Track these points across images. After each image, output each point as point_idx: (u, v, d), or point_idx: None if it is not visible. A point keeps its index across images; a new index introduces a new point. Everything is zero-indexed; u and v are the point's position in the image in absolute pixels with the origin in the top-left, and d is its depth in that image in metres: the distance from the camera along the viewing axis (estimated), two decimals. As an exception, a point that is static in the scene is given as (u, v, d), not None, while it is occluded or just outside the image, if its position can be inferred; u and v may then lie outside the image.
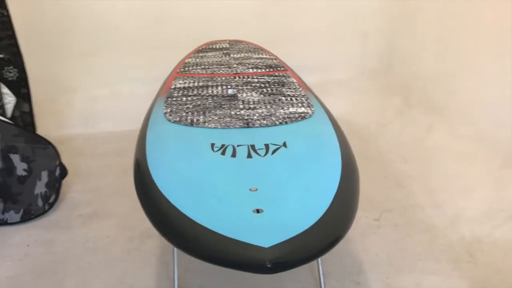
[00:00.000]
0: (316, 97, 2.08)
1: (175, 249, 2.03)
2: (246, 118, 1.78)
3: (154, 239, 2.46)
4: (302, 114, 1.83)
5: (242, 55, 2.69)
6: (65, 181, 2.78)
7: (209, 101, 1.95)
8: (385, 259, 2.29)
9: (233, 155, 1.48)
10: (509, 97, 2.75)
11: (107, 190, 2.95)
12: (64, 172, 2.72)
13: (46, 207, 2.65)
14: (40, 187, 2.62)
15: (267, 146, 1.54)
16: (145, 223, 2.55)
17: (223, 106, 1.90)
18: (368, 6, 4.11)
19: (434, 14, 3.57)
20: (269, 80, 2.23)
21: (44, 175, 2.63)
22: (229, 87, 2.13)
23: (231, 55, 2.68)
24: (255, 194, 1.29)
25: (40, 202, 2.62)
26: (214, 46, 2.91)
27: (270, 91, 2.08)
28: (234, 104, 1.92)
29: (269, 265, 1.05)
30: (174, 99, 1.98)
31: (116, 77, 4.10)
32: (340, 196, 1.30)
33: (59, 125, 3.80)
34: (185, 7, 4.05)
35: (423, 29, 3.72)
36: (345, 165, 1.46)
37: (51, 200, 2.66)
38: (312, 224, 1.15)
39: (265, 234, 1.12)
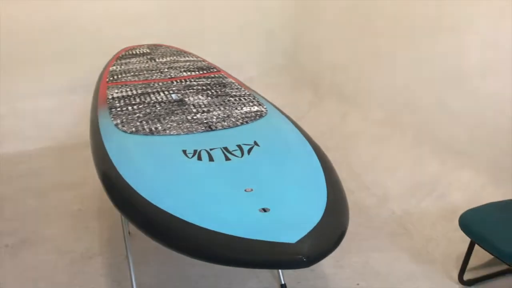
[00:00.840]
0: (258, 94, 2.14)
1: (131, 263, 1.97)
2: (205, 121, 1.78)
3: (97, 259, 2.36)
4: (258, 113, 1.88)
5: (168, 59, 2.66)
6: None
7: (158, 108, 1.92)
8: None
9: (211, 159, 1.48)
10: (415, 83, 3.02)
11: (31, 215, 2.75)
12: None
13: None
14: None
15: (239, 147, 1.56)
16: (83, 243, 2.46)
17: (176, 112, 1.88)
18: (273, 5, 4.25)
19: (336, 9, 3.78)
20: (208, 82, 2.23)
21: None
22: (171, 92, 2.10)
23: (157, 60, 2.64)
24: (253, 194, 1.30)
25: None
26: (134, 52, 2.83)
27: (215, 93, 2.09)
28: (185, 109, 1.91)
29: (305, 259, 1.08)
30: (118, 109, 1.91)
31: (14, 94, 3.80)
32: (330, 186, 1.37)
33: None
34: (84, 16, 3.87)
35: (326, 23, 3.93)
36: (319, 157, 1.54)
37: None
38: (322, 215, 1.21)
39: (286, 231, 1.14)
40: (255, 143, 1.58)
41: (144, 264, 2.29)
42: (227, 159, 1.47)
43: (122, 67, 2.51)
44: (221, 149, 1.53)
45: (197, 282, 2.18)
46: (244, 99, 2.02)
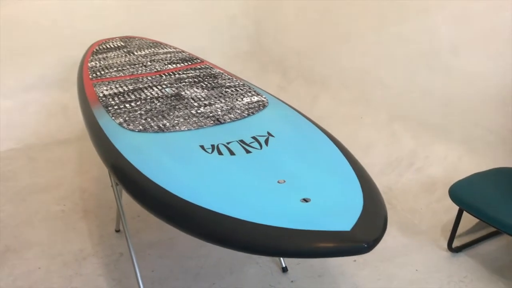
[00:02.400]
0: (250, 83, 2.15)
1: (135, 259, 1.95)
2: (211, 115, 1.77)
3: (91, 259, 2.31)
4: (260, 103, 1.89)
5: (146, 51, 2.61)
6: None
7: (158, 104, 1.89)
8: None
9: (231, 153, 1.48)
10: (385, 62, 3.11)
11: (10, 220, 2.64)
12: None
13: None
14: None
15: (255, 138, 1.57)
16: (74, 245, 2.40)
17: (178, 107, 1.86)
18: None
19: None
20: (198, 74, 2.22)
21: None
22: (164, 86, 2.07)
23: (135, 53, 2.58)
24: (288, 186, 1.32)
25: None
26: (108, 46, 2.75)
27: (209, 85, 2.08)
28: (186, 103, 1.89)
29: (365, 245, 1.11)
30: (116, 107, 1.87)
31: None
32: (357, 170, 1.41)
33: None
34: (38, 11, 3.69)
35: (289, 7, 3.96)
36: (335, 142, 1.57)
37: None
38: (363, 200, 1.24)
39: (336, 219, 1.16)
40: (269, 134, 1.60)
41: (141, 259, 2.28)
42: (248, 152, 1.48)
43: (102, 62, 2.44)
44: (238, 142, 1.54)
45: (198, 273, 2.19)
46: (240, 89, 2.03)
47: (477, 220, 2.35)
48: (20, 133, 3.56)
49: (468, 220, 2.36)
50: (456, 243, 2.27)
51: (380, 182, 2.83)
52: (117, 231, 2.49)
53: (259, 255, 1.19)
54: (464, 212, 2.12)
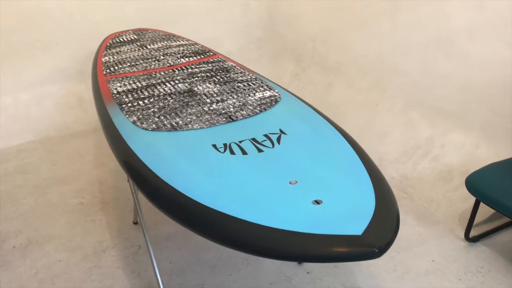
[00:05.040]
0: (262, 76, 2.14)
1: (152, 253, 1.98)
2: (224, 112, 1.78)
3: (110, 252, 2.35)
4: (272, 98, 1.88)
5: (159, 44, 2.61)
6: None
7: (171, 101, 1.89)
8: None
9: (244, 152, 1.48)
10: (401, 48, 3.07)
11: (31, 213, 2.70)
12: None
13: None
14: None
15: (267, 136, 1.57)
16: (93, 238, 2.45)
17: (190, 103, 1.86)
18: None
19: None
20: (210, 68, 2.21)
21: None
22: (176, 81, 2.08)
23: (149, 47, 2.58)
24: (300, 187, 1.32)
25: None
26: (121, 39, 2.75)
27: (221, 79, 2.08)
28: (198, 99, 1.89)
29: (377, 250, 1.11)
30: (130, 105, 1.88)
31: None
32: (371, 170, 1.40)
33: None
34: (51, 4, 3.70)
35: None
36: (348, 140, 1.56)
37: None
38: (375, 203, 1.24)
39: (348, 222, 1.16)
40: (281, 131, 1.59)
41: (158, 251, 2.31)
42: (260, 150, 1.48)
43: (115, 57, 2.45)
44: (250, 141, 1.54)
45: (215, 265, 2.21)
46: (253, 83, 2.02)
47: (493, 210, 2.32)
48: (38, 126, 3.62)
49: (486, 209, 2.34)
50: (473, 233, 2.25)
51: (396, 170, 2.82)
52: (135, 223, 2.53)
53: (267, 258, 1.19)
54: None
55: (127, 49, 2.55)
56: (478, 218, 2.28)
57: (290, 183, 1.33)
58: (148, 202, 2.63)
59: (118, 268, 2.25)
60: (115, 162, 3.15)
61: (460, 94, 2.69)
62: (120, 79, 2.15)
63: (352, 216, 1.18)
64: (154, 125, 1.71)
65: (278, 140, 1.54)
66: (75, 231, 2.52)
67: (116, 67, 2.30)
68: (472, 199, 2.22)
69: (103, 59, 2.43)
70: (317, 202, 1.24)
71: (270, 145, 1.52)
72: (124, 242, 2.41)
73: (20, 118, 3.65)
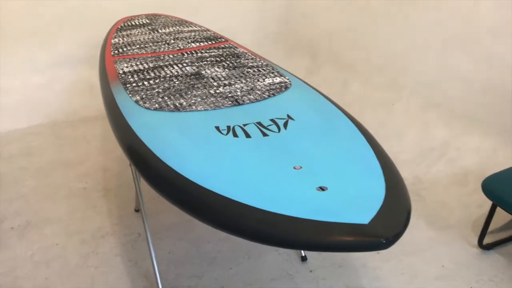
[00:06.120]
0: (274, 64, 2.06)
1: (151, 241, 1.91)
2: (230, 95, 1.70)
3: (109, 238, 2.29)
4: (282, 84, 1.80)
5: (171, 29, 2.54)
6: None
7: (177, 83, 1.82)
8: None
9: (247, 135, 1.41)
10: (419, 46, 2.97)
11: (33, 195, 2.65)
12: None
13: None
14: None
15: (273, 121, 1.49)
16: (92, 223, 2.39)
17: (196, 86, 1.79)
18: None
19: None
20: (220, 53, 2.14)
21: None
22: (184, 64, 2.01)
23: (160, 31, 2.52)
24: (304, 172, 1.23)
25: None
26: (133, 23, 2.70)
27: (231, 64, 2.00)
28: (205, 82, 1.82)
29: (384, 241, 1.02)
30: (134, 85, 1.81)
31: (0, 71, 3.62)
32: (382, 159, 1.31)
33: None
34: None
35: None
36: (360, 128, 1.48)
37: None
38: (384, 192, 1.15)
39: (354, 211, 1.07)
40: (289, 117, 1.51)
41: (158, 240, 2.24)
42: (264, 134, 1.40)
43: (125, 39, 2.39)
44: (255, 125, 1.46)
45: (214, 257, 2.14)
46: (263, 69, 1.94)
47: (511, 217, 2.22)
48: (47, 109, 3.58)
49: (502, 216, 2.23)
50: (487, 240, 2.15)
51: (410, 172, 2.72)
52: (137, 210, 2.47)
53: (265, 244, 1.11)
54: (498, 208, 1.99)
55: (138, 32, 2.49)
56: (493, 225, 2.17)
57: (294, 168, 1.24)
58: (151, 190, 2.56)
59: (116, 255, 2.18)
60: (121, 150, 3.09)
61: (479, 96, 2.59)
62: (128, 60, 2.08)
63: (359, 204, 1.10)
64: (157, 105, 1.64)
65: (285, 125, 1.46)
66: (75, 216, 2.46)
67: (124, 49, 2.24)
68: (488, 205, 2.11)
69: (112, 41, 2.37)
70: (322, 188, 1.16)
71: (276, 129, 1.44)
72: (124, 229, 2.35)
73: (29, 101, 3.61)
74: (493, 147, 2.52)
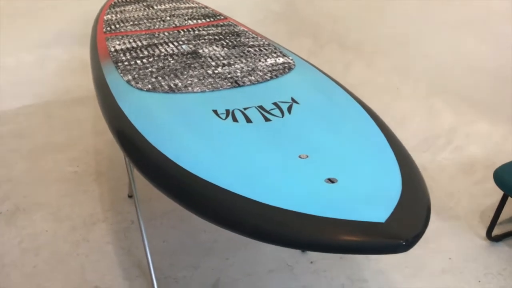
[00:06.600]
0: (277, 44, 1.94)
1: (144, 229, 1.80)
2: (230, 76, 1.58)
3: (101, 226, 2.19)
4: (286, 65, 1.68)
5: (167, 6, 2.41)
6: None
7: (172, 62, 1.70)
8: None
9: (248, 120, 1.29)
10: (427, 29, 2.84)
11: (22, 179, 2.54)
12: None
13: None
14: None
15: (276, 105, 1.37)
16: (83, 209, 2.28)
17: (193, 65, 1.67)
18: None
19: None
20: (219, 31, 2.01)
21: None
22: (180, 43, 1.88)
23: (155, 7, 2.38)
24: (311, 162, 1.12)
25: None
26: None
27: (230, 43, 1.88)
28: (202, 62, 1.70)
29: (404, 243, 0.90)
30: (126, 63, 1.69)
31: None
32: (397, 149, 1.20)
33: None
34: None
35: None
36: (371, 114, 1.36)
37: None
38: (401, 187, 1.04)
39: (368, 207, 0.95)
40: (293, 100, 1.39)
41: (152, 228, 2.14)
42: (267, 119, 1.29)
43: (118, 15, 2.26)
44: (256, 108, 1.34)
45: (211, 247, 2.04)
46: (265, 49, 1.82)
47: (521, 208, 2.12)
48: (39, 89, 3.46)
49: (511, 207, 2.13)
50: (495, 232, 2.05)
51: (415, 159, 2.59)
52: (130, 196, 2.36)
53: (266, 242, 0.99)
54: (508, 199, 1.89)
55: (132, 9, 2.35)
56: (502, 216, 2.07)
57: (300, 157, 1.13)
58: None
59: (108, 243, 2.09)
60: (114, 132, 2.98)
61: (491, 82, 2.47)
62: (120, 37, 1.96)
63: (373, 200, 0.98)
64: (150, 86, 1.52)
65: (289, 109, 1.34)
66: (65, 201, 2.36)
67: (117, 25, 2.11)
68: (497, 195, 2.02)
69: (105, 17, 2.25)
70: (331, 180, 1.04)
71: (280, 114, 1.32)
72: (116, 216, 2.25)
73: (21, 80, 3.49)
74: (502, 135, 2.41)
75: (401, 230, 0.91)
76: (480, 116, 2.53)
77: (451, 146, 2.56)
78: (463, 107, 2.61)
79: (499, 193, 1.96)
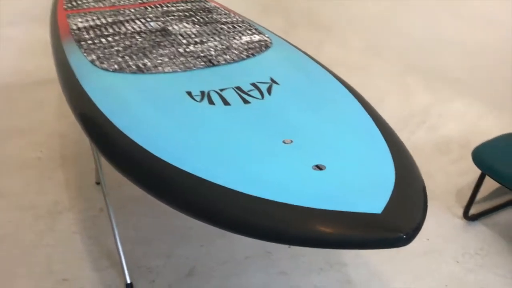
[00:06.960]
0: (252, 21, 1.85)
1: (113, 217, 1.71)
2: (203, 55, 1.48)
3: (67, 215, 2.09)
4: (262, 43, 1.60)
5: None
6: None
7: (139, 40, 1.59)
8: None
9: (226, 102, 1.20)
10: (401, 8, 2.79)
11: (-20, 167, 2.40)
12: None
13: None
14: None
15: (255, 85, 1.28)
16: (48, 197, 2.17)
17: (162, 43, 1.56)
18: None
19: None
20: (189, 7, 1.91)
21: None
22: (148, 20, 1.77)
23: None
24: (296, 147, 1.03)
25: None
26: None
27: (202, 20, 1.77)
28: (173, 40, 1.59)
29: (404, 236, 0.83)
30: (90, 42, 1.57)
31: None
32: (386, 133, 1.13)
33: None
34: None
35: None
36: (356, 96, 1.29)
37: None
38: (394, 173, 0.96)
39: (361, 197, 0.88)
40: (272, 81, 1.31)
41: (122, 216, 2.04)
42: (246, 101, 1.20)
43: None
44: (234, 89, 1.25)
45: (185, 234, 1.97)
46: (239, 26, 1.73)
47: (496, 186, 2.12)
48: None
49: (486, 186, 2.13)
50: (472, 211, 2.04)
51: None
52: (98, 183, 2.25)
53: (249, 237, 0.91)
54: (485, 178, 1.88)
55: None
56: (477, 195, 2.07)
57: (284, 142, 1.05)
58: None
59: (74, 233, 1.99)
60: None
61: (467, 60, 2.45)
62: (83, 14, 1.83)
63: (366, 188, 0.91)
64: (116, 66, 1.41)
65: (269, 90, 1.26)
66: (29, 189, 2.24)
67: (79, 2, 1.98)
68: (473, 174, 2.00)
69: (66, -7, 2.10)
70: (318, 167, 0.97)
71: (259, 95, 1.24)
72: (83, 203, 2.14)
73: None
74: (479, 113, 2.40)
75: (400, 221, 0.84)
76: (455, 94, 2.51)
77: (425, 125, 2.55)
78: (438, 85, 2.59)
79: (475, 172, 1.94)
